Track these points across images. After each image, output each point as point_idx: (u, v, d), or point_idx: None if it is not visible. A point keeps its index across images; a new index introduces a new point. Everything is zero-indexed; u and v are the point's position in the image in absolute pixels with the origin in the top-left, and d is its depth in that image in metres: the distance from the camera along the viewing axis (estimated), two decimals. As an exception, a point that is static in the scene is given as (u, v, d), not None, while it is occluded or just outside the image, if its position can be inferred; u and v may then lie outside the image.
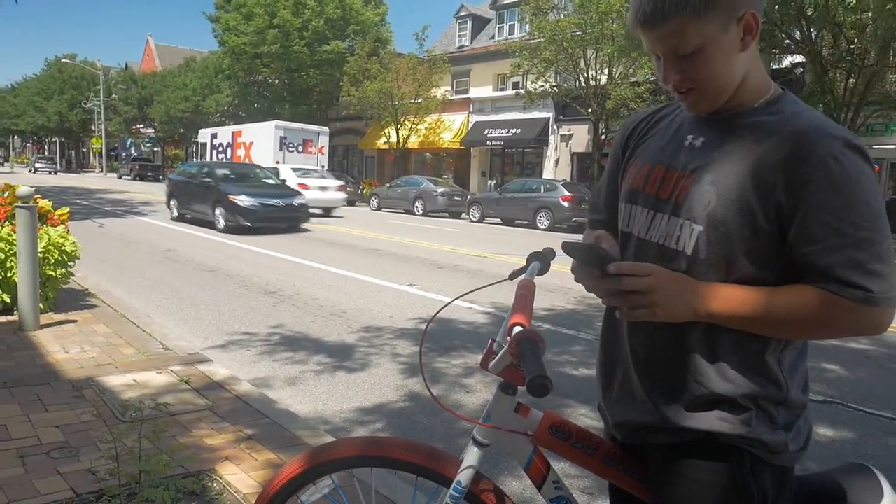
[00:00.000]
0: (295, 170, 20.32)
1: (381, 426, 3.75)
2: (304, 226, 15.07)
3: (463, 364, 4.99)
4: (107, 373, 4.05)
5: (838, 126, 1.08)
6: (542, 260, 1.45)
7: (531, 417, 1.32)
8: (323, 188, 19.90)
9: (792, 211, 1.02)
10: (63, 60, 57.01)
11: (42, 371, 4.01)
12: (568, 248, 1.14)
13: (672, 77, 1.11)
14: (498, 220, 21.10)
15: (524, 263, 1.51)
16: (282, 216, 14.15)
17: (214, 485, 2.69)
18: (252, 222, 13.40)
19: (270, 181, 15.87)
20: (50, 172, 50.37)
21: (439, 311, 1.71)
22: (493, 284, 1.73)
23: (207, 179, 14.76)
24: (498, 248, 13.11)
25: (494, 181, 28.46)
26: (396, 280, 8.73)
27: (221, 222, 13.91)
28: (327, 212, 20.07)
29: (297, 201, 14.69)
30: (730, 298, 1.06)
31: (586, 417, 3.96)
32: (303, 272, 9.08)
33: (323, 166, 27.03)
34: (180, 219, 15.71)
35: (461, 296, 1.60)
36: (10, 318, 5.14)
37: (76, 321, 5.31)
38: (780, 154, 1.03)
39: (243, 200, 13.57)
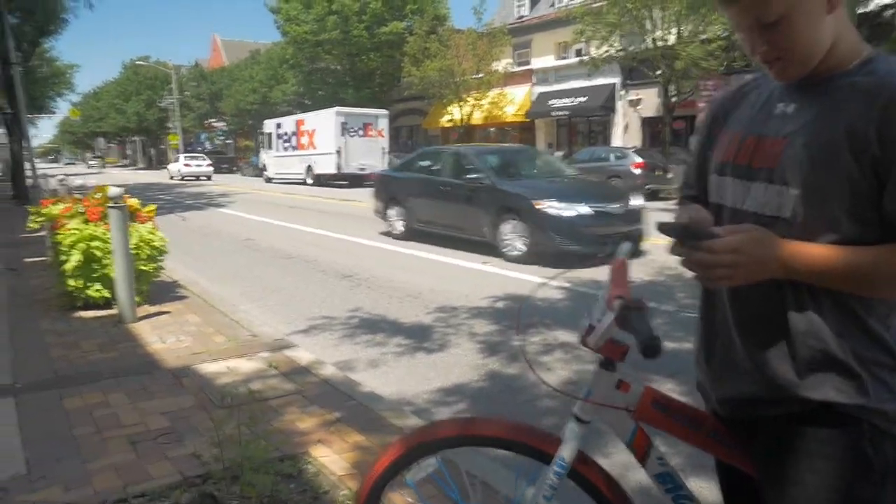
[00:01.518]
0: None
1: (464, 406, 3.79)
2: (368, 205, 14.79)
3: (541, 341, 4.96)
4: (201, 361, 4.26)
5: None
6: (632, 240, 1.42)
7: (632, 393, 1.32)
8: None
9: (889, 168, 1.00)
10: (137, 63, 59.62)
11: (143, 361, 4.27)
12: (664, 227, 1.12)
13: (759, 48, 1.10)
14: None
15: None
16: (620, 231, 7.87)
17: (309, 467, 2.79)
18: (582, 245, 7.73)
19: (569, 172, 10.53)
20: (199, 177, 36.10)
21: (534, 290, 1.69)
22: (582, 267, 1.71)
23: (475, 175, 9.24)
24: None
25: (562, 152, 28.01)
26: (470, 259, 8.75)
27: (518, 246, 8.34)
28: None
29: (633, 202, 8.76)
30: (813, 256, 1.04)
31: (672, 392, 3.87)
32: (376, 254, 9.24)
33: (384, 148, 27.47)
34: (407, 236, 10.42)
35: (554, 277, 1.58)
36: (110, 311, 5.48)
37: (170, 312, 5.61)
38: (873, 112, 1.01)
39: (560, 209, 8.03)
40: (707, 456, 1.34)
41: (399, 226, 10.69)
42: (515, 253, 8.37)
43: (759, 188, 1.14)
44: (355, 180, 26.71)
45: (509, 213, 8.49)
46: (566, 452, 1.35)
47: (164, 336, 4.87)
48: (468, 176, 9.36)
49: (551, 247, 7.96)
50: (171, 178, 37.32)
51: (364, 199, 19.70)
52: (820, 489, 1.09)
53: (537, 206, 8.09)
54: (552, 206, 8.03)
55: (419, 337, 5.19)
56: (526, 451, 1.43)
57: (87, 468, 2.77)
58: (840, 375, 1.08)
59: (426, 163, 10.96)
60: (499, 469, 2.70)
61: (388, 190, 11.09)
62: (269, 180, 31.22)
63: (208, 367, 4.14)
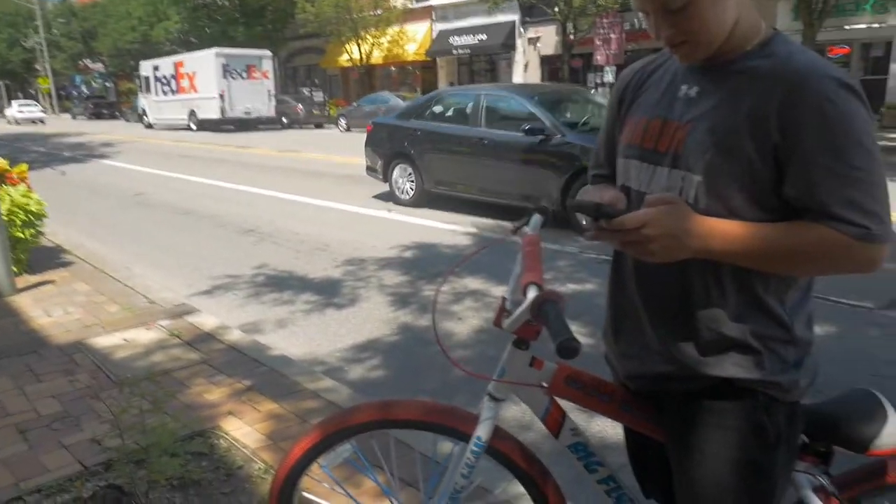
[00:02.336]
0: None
1: (378, 362, 3.79)
2: (273, 153, 14.60)
3: (451, 290, 5.01)
4: (94, 334, 4.00)
5: (832, 65, 1.07)
6: (543, 212, 1.40)
7: (545, 370, 1.34)
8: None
9: (788, 154, 1.02)
10: (-7, -4, 53.26)
11: (27, 338, 3.95)
12: (575, 205, 1.11)
13: (664, 31, 1.09)
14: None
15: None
16: None
17: (221, 442, 2.71)
18: None
19: None
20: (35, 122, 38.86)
21: (456, 265, 1.66)
22: (495, 244, 1.69)
23: (531, 125, 7.08)
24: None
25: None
26: (375, 206, 8.63)
27: None
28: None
29: None
30: (728, 233, 1.05)
31: (577, 334, 4.03)
32: (280, 206, 8.93)
33: (270, 91, 26.57)
34: (417, 201, 8.54)
35: (473, 254, 1.55)
36: (-16, 284, 5.00)
37: (54, 281, 5.20)
38: (774, 98, 1.02)
39: None
40: (616, 423, 1.39)
41: (408, 189, 8.64)
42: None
43: (663, 173, 1.14)
44: (242, 125, 26.09)
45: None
46: (482, 431, 1.36)
47: (49, 309, 4.51)
48: (524, 127, 7.10)
49: None
50: (9, 123, 38.25)
51: (258, 144, 18.95)
52: (720, 456, 1.16)
53: None
54: None
55: (328, 292, 5.10)
56: (443, 431, 1.43)
57: (-29, 464, 2.56)
58: (740, 353, 1.13)
59: (443, 108, 8.56)
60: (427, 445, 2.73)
61: (392, 143, 8.75)
62: (149, 126, 29.75)
63: (102, 341, 3.89)
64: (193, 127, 26.78)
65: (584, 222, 1.21)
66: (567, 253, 5.95)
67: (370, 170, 9.32)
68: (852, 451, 1.28)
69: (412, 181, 8.60)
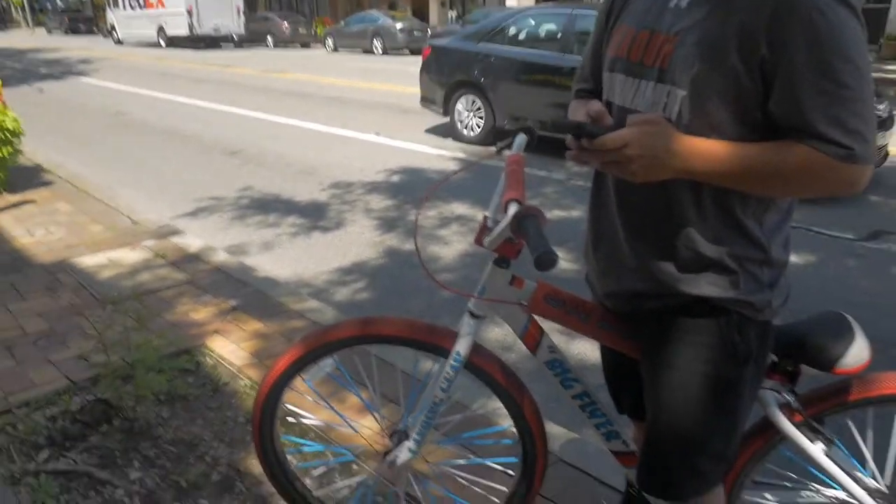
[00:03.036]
0: None
1: (363, 285, 3.82)
2: (258, 73, 14.19)
3: (437, 215, 5.00)
4: (78, 254, 3.98)
5: None
6: (528, 133, 1.38)
7: (525, 288, 1.35)
8: None
9: (775, 69, 0.99)
10: None
11: (10, 258, 3.92)
12: (557, 124, 1.09)
13: None
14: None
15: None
16: None
17: (207, 359, 2.75)
18: None
19: None
20: None
21: (438, 185, 1.66)
22: (480, 162, 1.67)
23: None
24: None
25: (455, 12, 26.87)
26: (363, 129, 8.48)
27: None
28: None
29: None
30: (710, 153, 1.04)
31: (562, 261, 4.07)
32: (265, 128, 8.74)
33: (238, 7, 25.93)
34: (485, 138, 7.46)
35: (457, 172, 1.53)
36: (-37, 203, 4.93)
37: (34, 201, 5.12)
38: (764, 10, 0.98)
39: None
40: (594, 347, 1.42)
41: (474, 125, 7.54)
42: None
43: (648, 87, 1.11)
44: (212, 42, 25.72)
45: None
46: (461, 347, 1.38)
47: (31, 228, 4.47)
48: None
49: None
50: None
51: (241, 64, 18.36)
52: (690, 370, 1.19)
53: None
54: None
55: (314, 215, 5.08)
56: (423, 347, 1.45)
57: (-41, 379, 2.59)
58: (715, 273, 1.14)
59: (523, 30, 7.51)
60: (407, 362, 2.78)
61: (456, 71, 7.60)
62: (119, 42, 28.86)
63: (87, 261, 3.87)
64: (163, 43, 26.19)
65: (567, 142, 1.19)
66: (554, 180, 5.92)
67: (426, 101, 8.09)
68: (819, 370, 1.32)
69: (481, 116, 7.44)
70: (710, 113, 1.04)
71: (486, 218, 1.28)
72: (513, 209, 1.14)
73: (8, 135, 5.06)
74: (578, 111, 1.25)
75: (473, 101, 7.53)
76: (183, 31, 25.14)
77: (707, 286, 1.14)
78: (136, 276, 3.66)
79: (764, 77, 1.00)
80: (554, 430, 2.29)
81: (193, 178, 6.27)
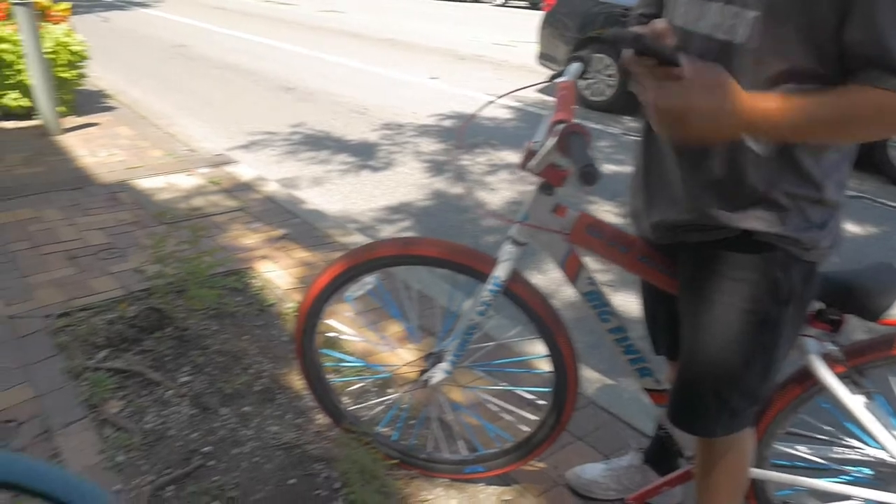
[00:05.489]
0: None
1: (409, 224, 3.86)
2: (314, 11, 14.12)
3: (487, 161, 4.97)
4: (137, 176, 4.12)
5: None
6: (582, 60, 1.35)
7: (568, 217, 1.35)
8: None
9: None
10: None
11: (74, 175, 4.09)
12: (612, 35, 1.03)
13: None
14: (524, 1, 19.67)
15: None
16: None
17: (255, 281, 2.85)
18: None
19: None
20: None
21: (480, 108, 1.67)
22: (533, 86, 1.66)
23: None
24: (523, 35, 12.37)
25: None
26: (417, 73, 8.41)
27: None
28: None
29: None
30: (776, 109, 0.97)
31: (610, 214, 4.02)
32: (319, 67, 8.75)
33: None
34: (614, 104, 6.54)
35: (503, 95, 1.52)
36: (32, 122, 5.13)
37: (98, 124, 5.29)
38: None
39: None
40: (633, 276, 1.42)
41: (604, 88, 6.58)
42: None
43: (714, 8, 1.06)
44: None
45: None
46: (501, 272, 1.40)
47: (94, 150, 4.64)
48: None
49: None
50: None
51: (297, 2, 18.28)
52: (730, 305, 1.17)
53: None
54: None
55: (364, 154, 5.11)
56: (463, 270, 1.47)
57: (27, 282, 2.75)
58: (765, 208, 1.10)
59: None
60: (436, 281, 2.82)
61: (586, 25, 6.60)
62: None
63: (145, 183, 4.01)
64: None
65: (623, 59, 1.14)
66: (609, 133, 5.80)
67: (545, 58, 7.21)
68: (865, 319, 1.29)
69: (613, 78, 6.53)
70: (781, 36, 0.99)
71: (530, 143, 1.28)
72: (559, 128, 1.13)
73: (75, 58, 5.21)
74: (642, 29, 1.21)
75: (603, 61, 6.54)
76: None
77: (755, 220, 1.11)
78: (190, 200, 3.78)
79: (842, 5, 0.94)
80: (589, 374, 2.32)
81: (249, 111, 6.36)
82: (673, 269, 1.31)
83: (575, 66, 1.37)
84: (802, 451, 1.58)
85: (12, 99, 5.04)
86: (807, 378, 1.40)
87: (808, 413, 1.51)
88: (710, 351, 1.21)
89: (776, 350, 1.20)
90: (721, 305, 1.18)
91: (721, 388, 1.23)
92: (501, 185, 4.50)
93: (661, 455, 1.72)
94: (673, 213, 1.20)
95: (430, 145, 5.39)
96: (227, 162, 4.51)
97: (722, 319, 1.18)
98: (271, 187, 4.08)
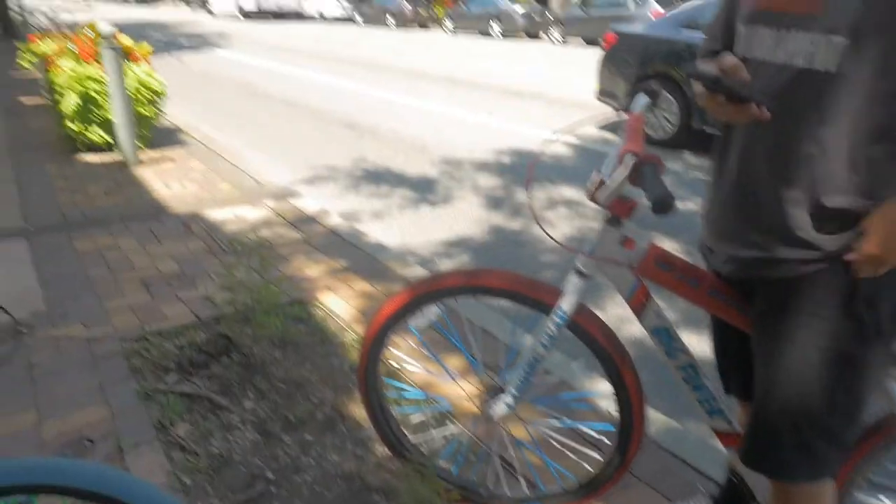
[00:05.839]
0: None
1: (467, 258, 3.88)
2: (377, 53, 14.56)
3: (545, 197, 4.97)
4: (207, 207, 4.30)
5: None
6: (649, 93, 1.36)
7: (636, 250, 1.34)
8: None
9: None
10: None
11: (150, 206, 4.30)
12: (693, 72, 1.06)
13: None
14: (581, 40, 19.81)
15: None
16: None
17: (318, 311, 2.91)
18: None
19: None
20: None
21: (546, 146, 1.67)
22: (598, 118, 1.67)
23: None
24: (580, 72, 12.42)
25: (577, -3, 26.22)
26: (474, 110, 8.53)
27: None
28: None
29: None
30: None
31: (673, 251, 3.93)
32: (380, 104, 9.00)
33: None
34: (675, 139, 6.46)
35: (562, 131, 1.54)
36: (113, 156, 5.44)
37: (173, 158, 5.57)
38: None
39: None
40: (702, 312, 1.38)
41: (664, 124, 6.47)
42: None
43: (797, 37, 1.04)
44: (285, 16, 31.55)
45: None
46: (566, 304, 1.39)
47: (168, 182, 4.87)
48: None
49: None
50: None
51: (361, 44, 18.92)
52: (808, 345, 1.12)
53: None
54: None
55: (424, 189, 5.19)
56: (527, 301, 1.47)
57: (104, 307, 2.89)
58: (846, 231, 1.07)
59: None
60: (498, 318, 2.81)
61: (646, 62, 6.58)
62: (211, 13, 33.25)
63: (215, 214, 4.18)
64: (241, 16, 30.99)
65: (696, 89, 1.15)
66: (671, 171, 5.72)
67: (604, 94, 7.04)
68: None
69: (674, 113, 6.41)
70: (876, 62, 0.96)
71: (599, 173, 1.28)
72: (631, 159, 1.13)
73: (154, 96, 5.52)
74: (712, 66, 1.20)
75: (664, 97, 6.45)
76: (252, 7, 30.63)
77: (835, 243, 1.07)
78: (257, 231, 3.91)
79: None
80: (653, 415, 2.25)
81: (313, 146, 6.58)
82: (745, 305, 1.28)
83: (642, 99, 1.38)
84: (885, 501, 1.49)
85: (96, 134, 5.37)
86: (892, 424, 1.34)
87: (894, 462, 1.43)
88: (788, 392, 1.16)
89: (860, 392, 1.15)
90: (800, 345, 1.13)
91: (801, 430, 1.18)
92: (560, 221, 4.48)
93: (731, 502, 1.65)
94: (747, 247, 1.18)
95: (487, 181, 5.43)
96: (292, 195, 4.66)
97: (800, 359, 1.14)
98: (334, 220, 4.19)
